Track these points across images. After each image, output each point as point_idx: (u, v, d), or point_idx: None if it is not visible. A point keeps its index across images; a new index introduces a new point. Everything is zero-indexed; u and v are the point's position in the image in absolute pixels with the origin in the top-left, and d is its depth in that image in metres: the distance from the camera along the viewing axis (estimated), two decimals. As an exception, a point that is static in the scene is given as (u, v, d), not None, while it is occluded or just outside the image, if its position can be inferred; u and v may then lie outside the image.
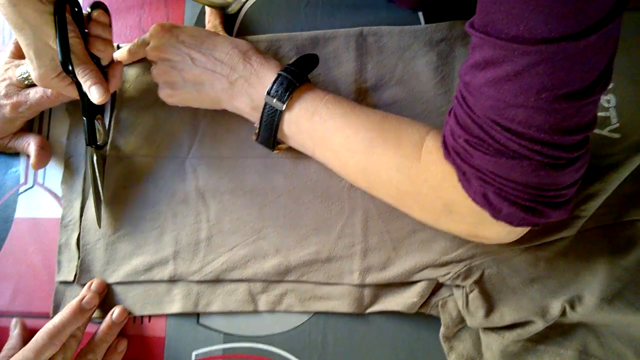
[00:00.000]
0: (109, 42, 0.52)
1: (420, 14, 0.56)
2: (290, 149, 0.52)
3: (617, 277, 0.45)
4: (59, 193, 0.58)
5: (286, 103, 0.46)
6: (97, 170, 0.55)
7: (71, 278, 0.55)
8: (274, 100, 0.46)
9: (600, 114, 0.49)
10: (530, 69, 0.31)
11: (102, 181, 0.56)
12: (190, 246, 0.54)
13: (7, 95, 0.54)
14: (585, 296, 0.45)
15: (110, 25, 0.53)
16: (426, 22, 0.55)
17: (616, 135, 0.49)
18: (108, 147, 0.57)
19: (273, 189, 0.54)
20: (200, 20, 0.60)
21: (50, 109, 0.60)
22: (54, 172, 0.59)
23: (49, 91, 0.54)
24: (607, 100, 0.49)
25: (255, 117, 0.49)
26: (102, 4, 0.53)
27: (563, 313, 0.45)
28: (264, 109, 0.47)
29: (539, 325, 0.45)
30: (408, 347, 0.50)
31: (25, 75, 0.54)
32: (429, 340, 0.49)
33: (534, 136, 0.34)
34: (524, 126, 0.34)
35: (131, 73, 0.59)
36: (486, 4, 0.32)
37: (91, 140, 0.54)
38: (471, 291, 0.47)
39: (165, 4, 0.61)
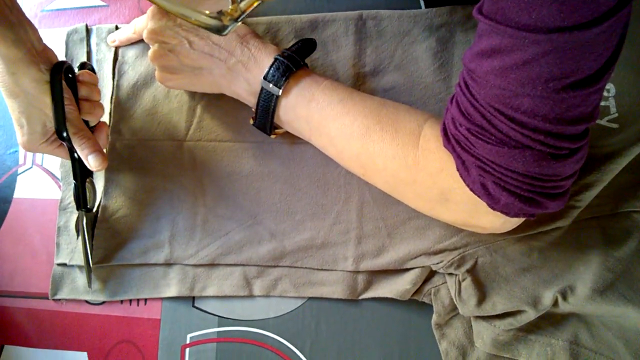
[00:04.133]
0: (96, 103, 0.52)
1: (421, -3, 0.55)
2: (288, 134, 0.52)
3: (610, 268, 0.44)
4: (58, 175, 0.58)
5: (282, 88, 0.46)
6: (86, 234, 0.54)
7: (69, 261, 0.55)
8: (270, 85, 0.46)
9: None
10: (540, 58, 0.30)
11: (92, 244, 0.54)
12: (187, 230, 0.54)
13: None
14: (578, 287, 0.45)
15: (96, 85, 0.53)
16: (426, 6, 0.54)
17: (614, 126, 0.48)
18: (109, 131, 0.57)
19: (269, 174, 0.54)
20: (199, 2, 0.59)
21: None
22: (52, 156, 0.59)
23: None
24: (607, 89, 0.49)
25: (252, 102, 0.49)
26: (88, 63, 0.53)
27: (555, 303, 0.45)
28: (260, 93, 0.47)
29: (530, 315, 0.45)
30: (400, 333, 0.50)
31: None
32: (421, 327, 0.50)
33: (538, 126, 0.33)
34: (528, 115, 0.33)
35: (130, 55, 0.58)
36: None
37: (82, 204, 0.53)
38: (464, 279, 0.47)
39: (164, -15, 0.60)
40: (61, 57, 0.59)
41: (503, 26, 0.31)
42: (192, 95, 0.56)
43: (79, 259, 0.55)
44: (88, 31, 0.60)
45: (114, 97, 0.58)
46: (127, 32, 0.56)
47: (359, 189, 0.52)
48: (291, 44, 0.55)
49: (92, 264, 0.54)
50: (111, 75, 0.58)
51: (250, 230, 0.53)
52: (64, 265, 0.56)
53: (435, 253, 0.49)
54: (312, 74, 0.48)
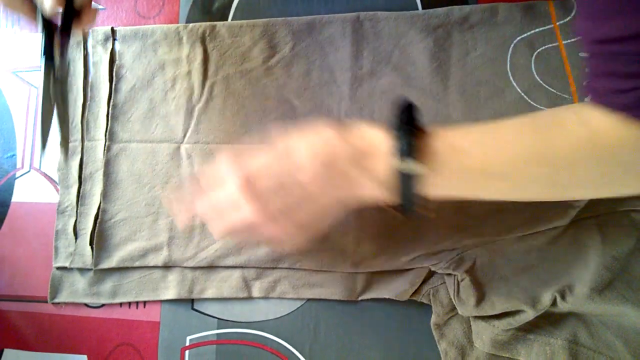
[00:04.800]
0: None
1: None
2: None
3: (608, 267, 0.44)
4: (56, 178, 0.58)
5: (419, 156, 0.38)
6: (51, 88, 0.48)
7: (68, 264, 0.55)
8: (404, 160, 0.38)
9: (597, 102, 0.49)
10: None
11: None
12: (185, 232, 0.54)
13: None
14: (576, 286, 0.45)
15: None
16: (423, 8, 0.54)
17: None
18: (106, 134, 0.57)
19: (267, 175, 0.54)
20: (196, 3, 0.59)
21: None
22: (50, 157, 0.59)
23: None
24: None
25: (387, 195, 0.41)
26: None
27: (554, 303, 0.45)
28: (397, 176, 0.39)
29: (529, 315, 0.45)
30: (399, 334, 0.50)
31: None
32: (420, 327, 0.50)
33: None
34: None
35: (127, 57, 0.58)
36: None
37: (46, 51, 0.48)
38: (462, 280, 0.47)
39: (161, -12, 0.61)
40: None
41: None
42: (190, 97, 0.56)
43: (79, 262, 0.55)
44: (84, 34, 0.60)
45: (111, 100, 0.57)
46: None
47: (357, 190, 0.52)
48: (288, 46, 0.55)
49: (93, 267, 0.54)
50: (108, 78, 0.58)
51: (248, 232, 0.53)
52: (63, 268, 0.56)
53: (434, 254, 0.49)
54: (433, 130, 0.41)
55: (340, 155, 0.41)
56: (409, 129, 0.39)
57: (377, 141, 0.40)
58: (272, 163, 0.42)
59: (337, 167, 0.41)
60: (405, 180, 0.39)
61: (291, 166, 0.41)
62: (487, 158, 0.38)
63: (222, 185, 0.43)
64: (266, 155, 0.43)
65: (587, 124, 0.35)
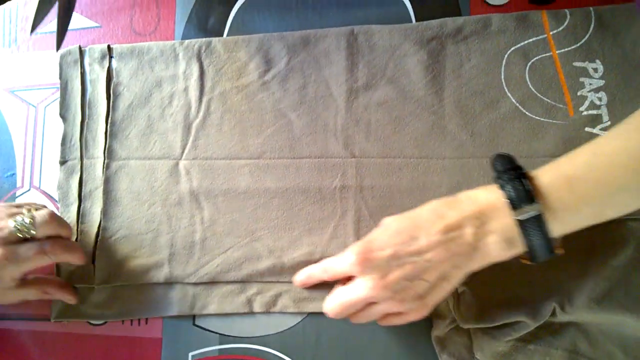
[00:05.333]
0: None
1: (409, 6, 0.55)
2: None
3: (607, 276, 0.45)
4: (56, 196, 0.58)
5: (536, 199, 0.38)
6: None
7: (70, 282, 0.55)
8: (524, 208, 0.38)
9: (591, 112, 0.49)
10: None
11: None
12: (185, 248, 0.54)
13: None
14: (575, 296, 0.45)
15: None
16: (417, 20, 0.54)
17: (608, 134, 0.48)
18: (105, 152, 0.57)
19: (266, 190, 0.54)
20: (191, 20, 0.59)
21: (44, 115, 0.61)
22: (50, 176, 0.59)
23: (47, 246, 0.50)
24: (599, 98, 0.49)
25: (516, 249, 0.40)
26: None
27: (553, 313, 0.45)
28: (522, 228, 0.39)
29: (529, 325, 0.45)
30: (401, 347, 0.50)
31: (19, 227, 0.49)
32: (420, 340, 0.50)
33: None
34: None
35: (124, 75, 0.59)
36: None
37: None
38: (462, 292, 0.47)
39: (157, 4, 0.61)
40: (55, 78, 0.60)
41: None
42: (187, 114, 0.57)
43: (80, 280, 0.55)
44: (81, 52, 0.60)
45: (109, 118, 0.58)
46: (317, 273, 0.50)
47: (355, 203, 0.52)
48: (284, 60, 0.55)
49: (95, 285, 0.55)
50: (105, 96, 0.58)
51: (248, 247, 0.53)
52: (65, 286, 0.56)
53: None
54: (538, 169, 0.41)
55: (459, 228, 0.40)
56: (513, 175, 0.40)
57: (489, 200, 0.40)
58: (391, 235, 0.43)
59: (460, 240, 0.40)
60: (531, 228, 0.39)
61: (412, 237, 0.41)
62: (603, 175, 0.38)
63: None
64: (384, 231, 0.43)
65: None
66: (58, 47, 0.50)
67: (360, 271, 0.43)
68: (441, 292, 0.42)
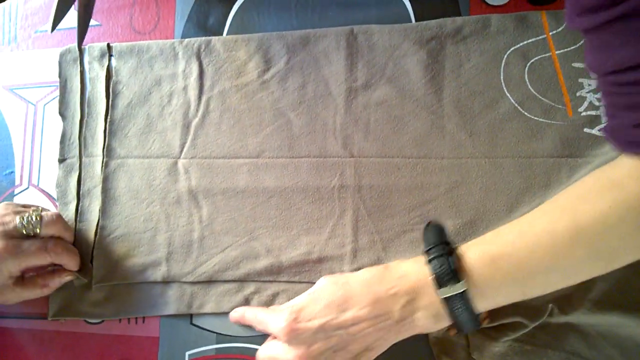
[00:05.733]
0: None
1: (409, 6, 0.55)
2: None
3: (605, 278, 0.44)
4: (54, 195, 0.58)
5: (463, 278, 0.40)
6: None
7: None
8: (449, 285, 0.40)
9: (590, 112, 0.49)
10: None
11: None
12: (183, 247, 0.54)
13: None
14: (573, 297, 0.45)
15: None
16: (417, 20, 0.54)
17: (606, 135, 0.48)
18: (104, 150, 0.57)
19: (264, 190, 0.54)
20: (191, 18, 0.59)
21: (44, 113, 0.61)
22: (49, 174, 0.59)
23: (50, 244, 0.51)
24: (598, 98, 0.49)
25: (444, 323, 0.42)
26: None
27: (550, 314, 0.45)
28: (447, 305, 0.40)
29: (526, 326, 0.45)
30: (398, 348, 0.50)
31: (25, 223, 0.50)
32: (418, 341, 0.49)
33: None
34: None
35: (123, 73, 0.59)
36: None
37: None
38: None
39: (156, 3, 0.61)
40: (55, 77, 0.60)
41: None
42: (186, 112, 0.56)
43: (78, 278, 0.55)
44: (81, 51, 0.60)
45: (108, 116, 0.58)
46: (250, 319, 0.50)
47: (353, 202, 0.52)
48: (283, 59, 0.55)
49: (93, 283, 0.55)
50: (104, 94, 0.58)
51: (246, 246, 0.53)
52: (63, 285, 0.56)
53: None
54: (465, 245, 0.43)
55: (387, 302, 0.42)
56: (441, 251, 0.41)
57: (418, 276, 0.42)
58: (321, 307, 0.44)
59: (389, 315, 0.42)
60: (457, 304, 0.40)
61: (340, 310, 0.43)
62: (526, 255, 0.39)
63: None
64: (315, 300, 0.45)
65: (613, 186, 0.36)
66: (80, 43, 0.51)
67: (287, 340, 0.44)
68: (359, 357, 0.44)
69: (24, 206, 0.54)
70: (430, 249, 0.43)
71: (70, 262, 0.53)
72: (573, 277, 0.40)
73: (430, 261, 0.42)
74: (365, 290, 0.43)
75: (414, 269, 0.43)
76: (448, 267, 0.40)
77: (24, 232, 0.50)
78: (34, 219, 0.50)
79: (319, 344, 0.43)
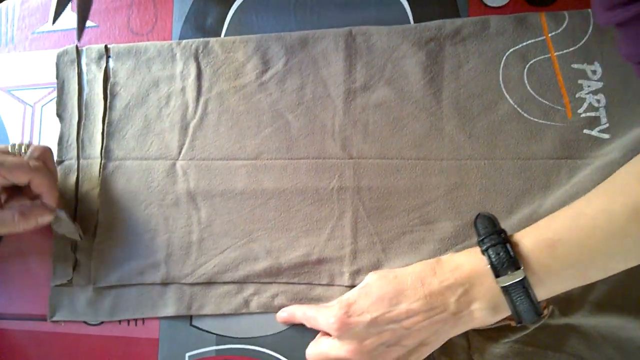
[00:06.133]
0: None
1: (407, 7, 0.55)
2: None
3: (606, 279, 0.44)
4: (53, 196, 0.58)
5: (521, 265, 0.39)
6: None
7: (66, 281, 0.55)
8: (509, 275, 0.39)
9: (590, 114, 0.49)
10: None
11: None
12: (182, 249, 0.54)
13: None
14: (574, 299, 0.45)
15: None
16: (415, 22, 0.54)
17: (606, 136, 0.48)
18: (102, 152, 0.57)
19: (263, 191, 0.54)
20: (188, 20, 0.59)
21: (41, 115, 0.60)
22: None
23: (32, 162, 0.49)
24: (597, 100, 0.49)
25: (501, 315, 0.41)
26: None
27: (551, 315, 0.45)
28: (507, 294, 0.40)
29: (527, 328, 0.45)
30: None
31: (11, 144, 0.51)
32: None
33: None
34: None
35: (121, 75, 0.58)
36: None
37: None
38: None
39: (154, 4, 0.61)
40: (52, 78, 0.60)
41: None
42: (184, 114, 0.56)
43: (77, 280, 0.55)
44: (78, 52, 0.60)
45: (106, 118, 0.58)
46: (299, 317, 0.49)
47: (352, 204, 0.52)
48: (282, 61, 0.55)
49: (92, 285, 0.55)
50: (102, 96, 0.58)
51: (245, 247, 0.53)
52: (62, 286, 0.56)
53: (431, 267, 0.49)
54: (519, 233, 0.42)
55: (441, 295, 0.41)
56: (496, 240, 0.40)
57: (473, 265, 0.41)
58: (372, 301, 0.43)
59: (443, 310, 0.41)
60: (516, 293, 0.39)
61: (392, 303, 0.42)
62: (585, 240, 0.38)
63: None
64: (366, 295, 0.44)
65: None
66: (79, 37, 0.49)
67: (338, 335, 0.43)
68: (419, 356, 0.43)
69: None
70: (484, 238, 0.41)
71: (51, 191, 0.50)
72: (634, 257, 0.39)
73: (485, 250, 0.40)
74: (418, 283, 0.42)
75: (468, 260, 0.42)
76: (506, 255, 0.39)
77: (9, 150, 0.51)
78: (22, 145, 0.51)
79: (371, 339, 0.42)
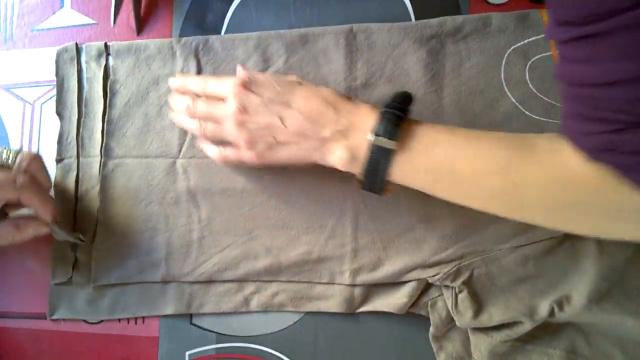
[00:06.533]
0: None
1: (408, 4, 0.54)
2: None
3: (605, 276, 0.44)
4: (53, 195, 0.58)
5: (396, 138, 0.41)
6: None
7: (66, 279, 0.55)
8: (383, 139, 0.41)
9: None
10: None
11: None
12: (182, 247, 0.54)
13: None
14: (574, 296, 0.45)
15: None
16: (416, 19, 0.54)
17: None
18: (102, 150, 0.57)
19: (263, 189, 0.54)
20: (188, 17, 0.59)
21: (41, 113, 0.60)
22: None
23: (21, 179, 0.48)
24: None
25: (354, 168, 0.44)
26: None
27: (551, 313, 0.45)
28: (369, 153, 0.42)
29: (527, 326, 0.45)
30: (398, 346, 0.50)
31: None
32: (418, 339, 0.50)
33: None
34: None
35: (121, 73, 0.58)
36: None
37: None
38: (460, 291, 0.47)
39: (154, 1, 0.60)
40: (52, 76, 0.59)
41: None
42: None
43: (77, 279, 0.55)
44: (78, 50, 0.60)
45: (106, 116, 0.57)
46: (193, 83, 0.52)
47: (353, 202, 0.52)
48: (282, 58, 0.55)
49: (92, 283, 0.54)
50: (102, 94, 0.58)
51: (246, 246, 0.53)
52: (61, 285, 0.56)
53: (431, 266, 0.49)
54: (421, 121, 0.43)
55: (328, 119, 0.44)
56: (396, 112, 0.42)
57: (364, 117, 0.43)
58: (271, 83, 0.46)
59: (321, 129, 0.44)
60: (375, 157, 0.42)
61: (284, 103, 0.45)
62: (457, 160, 0.41)
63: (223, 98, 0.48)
64: (271, 77, 0.47)
65: (557, 155, 0.37)
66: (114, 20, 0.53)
67: (232, 98, 0.46)
68: (275, 153, 0.47)
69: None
70: (389, 104, 0.43)
71: (42, 207, 0.50)
72: (479, 202, 0.42)
73: (387, 111, 0.42)
74: (323, 101, 0.45)
75: (367, 112, 0.44)
76: (393, 125, 0.41)
77: None
78: (10, 152, 0.48)
79: (254, 116, 0.46)
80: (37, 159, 0.51)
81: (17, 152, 0.49)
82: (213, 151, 0.51)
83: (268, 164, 0.48)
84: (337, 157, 0.44)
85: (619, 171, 0.33)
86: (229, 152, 0.50)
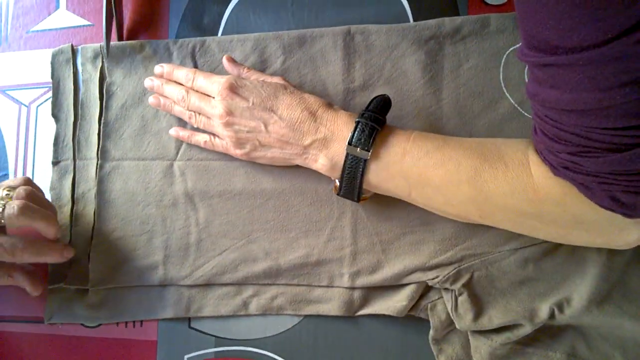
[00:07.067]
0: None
1: (407, 5, 0.54)
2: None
3: (605, 279, 0.44)
4: (49, 198, 0.58)
5: (371, 150, 0.43)
6: None
7: (63, 283, 0.55)
8: (358, 149, 0.43)
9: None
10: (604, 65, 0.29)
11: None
12: (180, 250, 0.54)
13: None
14: (574, 299, 0.45)
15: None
16: (414, 19, 0.54)
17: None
18: (98, 152, 0.57)
19: (262, 192, 0.53)
20: (185, 18, 0.59)
21: (36, 115, 0.60)
22: (43, 177, 0.58)
23: (8, 244, 0.48)
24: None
25: (333, 174, 0.47)
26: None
27: (551, 315, 0.45)
28: (345, 161, 0.44)
29: (527, 329, 0.45)
30: (398, 349, 0.50)
31: None
32: (418, 342, 0.50)
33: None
34: (625, 120, 0.30)
35: (117, 74, 0.58)
36: (532, 25, 0.31)
37: None
38: (460, 294, 0.47)
39: (150, 2, 0.60)
40: (47, 78, 0.59)
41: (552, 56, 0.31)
42: (182, 114, 0.56)
43: (75, 282, 0.55)
44: (74, 51, 0.59)
45: (102, 118, 0.57)
46: (181, 75, 0.54)
47: (352, 205, 0.52)
48: (279, 60, 0.55)
49: (89, 287, 0.54)
50: (98, 95, 0.58)
51: (244, 249, 0.53)
52: (59, 289, 0.55)
53: (431, 268, 0.49)
54: (396, 129, 0.45)
55: (308, 128, 0.46)
56: (369, 123, 0.44)
57: (343, 125, 0.46)
58: (257, 87, 0.49)
59: (301, 137, 0.46)
60: (351, 165, 0.44)
61: (268, 109, 0.47)
62: (427, 169, 0.43)
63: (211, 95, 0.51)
64: (256, 80, 0.50)
65: (524, 167, 0.39)
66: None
67: (219, 99, 0.49)
68: (260, 155, 0.50)
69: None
70: (365, 113, 0.45)
71: (48, 259, 0.51)
72: (450, 207, 0.44)
73: (358, 122, 0.44)
74: (306, 109, 0.47)
75: (345, 121, 0.46)
76: (368, 135, 0.43)
77: None
78: (5, 189, 0.47)
79: (240, 119, 0.48)
80: (30, 193, 0.50)
81: (11, 188, 0.48)
82: (202, 137, 0.53)
83: (254, 161, 0.52)
84: (319, 164, 0.47)
85: (579, 188, 0.36)
86: (217, 142, 0.52)
